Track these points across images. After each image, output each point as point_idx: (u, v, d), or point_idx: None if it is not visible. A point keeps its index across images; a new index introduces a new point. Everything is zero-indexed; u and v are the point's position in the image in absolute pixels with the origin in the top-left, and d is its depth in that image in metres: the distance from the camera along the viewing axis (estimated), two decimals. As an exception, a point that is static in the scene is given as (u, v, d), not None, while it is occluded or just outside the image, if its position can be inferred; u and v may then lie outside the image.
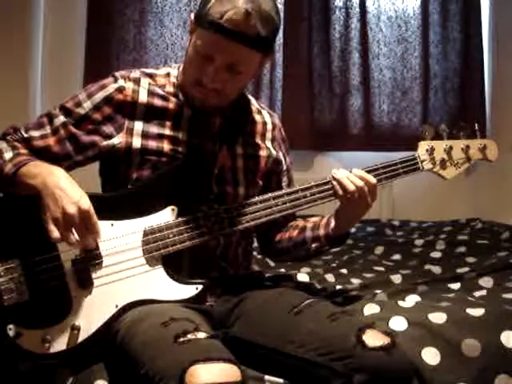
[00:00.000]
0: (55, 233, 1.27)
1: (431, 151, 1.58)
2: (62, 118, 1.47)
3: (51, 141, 1.46)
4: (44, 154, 1.45)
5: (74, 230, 1.29)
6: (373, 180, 1.48)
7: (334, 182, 1.48)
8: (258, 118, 1.63)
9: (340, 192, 1.47)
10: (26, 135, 1.47)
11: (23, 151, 1.44)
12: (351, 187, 1.45)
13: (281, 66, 3.50)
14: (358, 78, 3.57)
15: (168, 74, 1.54)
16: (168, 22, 3.51)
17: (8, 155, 1.41)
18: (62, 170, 1.36)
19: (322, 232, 1.57)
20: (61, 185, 1.31)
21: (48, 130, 1.47)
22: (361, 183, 1.46)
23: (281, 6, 3.49)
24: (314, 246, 1.59)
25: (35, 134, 1.47)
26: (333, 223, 1.55)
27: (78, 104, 1.48)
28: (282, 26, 3.50)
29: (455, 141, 1.60)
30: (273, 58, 1.74)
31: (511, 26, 3.59)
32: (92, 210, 1.31)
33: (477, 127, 1.62)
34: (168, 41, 3.49)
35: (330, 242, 1.57)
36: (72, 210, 1.28)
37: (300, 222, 1.65)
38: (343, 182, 1.46)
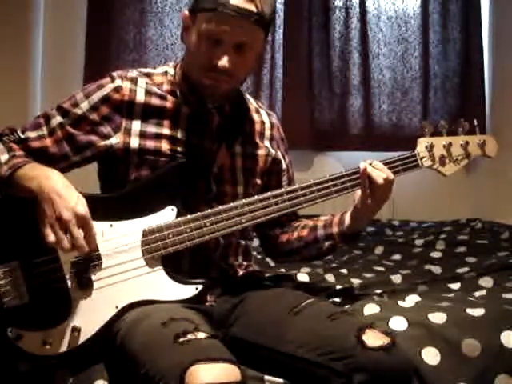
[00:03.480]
0: (51, 237, 1.27)
1: (430, 148, 1.58)
2: (58, 119, 1.47)
3: (48, 141, 1.46)
4: (41, 155, 1.44)
5: (69, 236, 1.28)
6: (391, 176, 1.49)
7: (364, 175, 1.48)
8: (256, 116, 1.63)
9: (366, 185, 1.47)
10: (22, 136, 1.46)
11: (19, 153, 1.43)
12: (380, 181, 1.46)
13: (281, 66, 3.50)
14: (358, 77, 3.57)
15: (165, 73, 1.54)
16: (168, 22, 3.51)
17: (4, 157, 1.40)
18: (58, 174, 1.35)
19: (335, 230, 1.57)
20: (57, 189, 1.30)
21: (45, 130, 1.46)
22: (392, 176, 1.47)
23: (281, 6, 3.50)
24: (327, 244, 1.59)
25: (32, 134, 1.46)
26: (347, 221, 1.55)
27: (75, 104, 1.47)
28: (282, 26, 3.52)
29: (454, 137, 1.60)
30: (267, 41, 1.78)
31: (511, 26, 3.59)
32: (88, 215, 1.30)
33: (476, 123, 1.62)
34: (168, 41, 3.49)
35: (343, 240, 1.57)
36: (68, 215, 1.27)
37: (309, 222, 1.65)
38: (373, 175, 1.46)
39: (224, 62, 1.41)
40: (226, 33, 1.40)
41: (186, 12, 1.47)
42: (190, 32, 1.45)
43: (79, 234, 1.28)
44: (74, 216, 1.28)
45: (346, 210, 1.59)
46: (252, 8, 1.38)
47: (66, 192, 1.30)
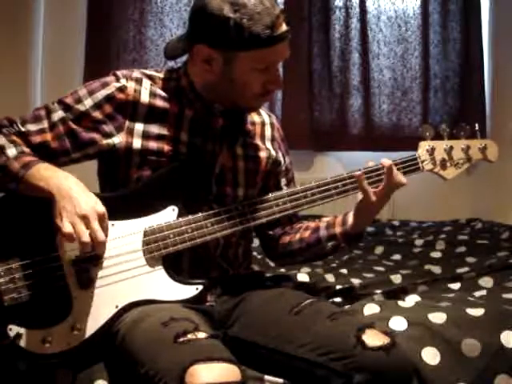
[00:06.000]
0: (69, 228, 1.27)
1: (431, 151, 1.58)
2: (60, 113, 1.46)
3: (49, 136, 1.44)
4: (42, 150, 1.43)
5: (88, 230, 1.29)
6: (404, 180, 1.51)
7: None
8: (257, 118, 1.63)
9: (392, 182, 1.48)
10: (22, 129, 1.45)
11: (26, 149, 1.42)
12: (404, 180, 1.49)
13: (280, 66, 3.49)
14: (357, 77, 3.57)
15: (168, 76, 1.53)
16: (168, 22, 3.52)
17: (11, 152, 1.39)
18: (72, 177, 1.37)
19: (338, 230, 1.56)
20: (76, 189, 1.32)
21: (45, 124, 1.45)
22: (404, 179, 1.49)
23: (281, 6, 3.49)
24: (330, 244, 1.58)
25: (32, 128, 1.45)
26: (350, 221, 1.54)
27: (78, 100, 1.46)
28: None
29: (455, 141, 1.60)
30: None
31: (511, 26, 3.59)
32: (106, 215, 1.32)
33: (477, 127, 1.62)
34: (168, 41, 3.48)
35: (346, 240, 1.56)
36: (89, 210, 1.29)
37: (311, 223, 1.64)
38: (394, 173, 1.47)
39: (279, 83, 1.47)
40: (278, 60, 1.45)
41: (202, 46, 1.42)
42: (225, 66, 1.42)
43: (100, 227, 1.29)
44: (95, 213, 1.30)
45: (346, 211, 1.59)
46: (286, 27, 1.41)
47: (84, 193, 1.33)
